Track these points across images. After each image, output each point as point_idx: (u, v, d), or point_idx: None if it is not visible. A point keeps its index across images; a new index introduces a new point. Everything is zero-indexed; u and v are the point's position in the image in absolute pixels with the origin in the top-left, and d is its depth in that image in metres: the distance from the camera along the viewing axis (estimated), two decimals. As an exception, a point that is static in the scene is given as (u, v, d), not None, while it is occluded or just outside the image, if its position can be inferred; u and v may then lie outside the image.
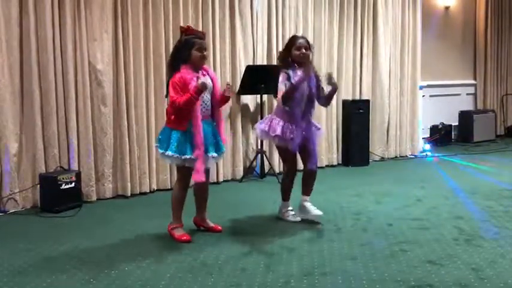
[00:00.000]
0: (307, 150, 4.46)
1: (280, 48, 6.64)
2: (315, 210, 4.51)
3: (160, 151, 4.02)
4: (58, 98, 5.19)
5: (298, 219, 4.58)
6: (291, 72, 4.31)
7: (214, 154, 4.09)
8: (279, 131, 4.34)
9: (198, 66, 4.03)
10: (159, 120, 5.73)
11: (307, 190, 4.59)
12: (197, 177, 3.95)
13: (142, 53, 5.62)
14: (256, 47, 6.50)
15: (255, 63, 6.47)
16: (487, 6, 9.58)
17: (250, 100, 6.59)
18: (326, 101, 4.58)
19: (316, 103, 4.54)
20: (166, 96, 4.08)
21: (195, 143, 3.92)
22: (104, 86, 5.39)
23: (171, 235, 4.13)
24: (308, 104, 4.42)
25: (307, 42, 4.43)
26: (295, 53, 4.34)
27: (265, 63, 6.57)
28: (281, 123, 4.36)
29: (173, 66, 4.00)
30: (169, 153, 3.95)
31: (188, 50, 3.96)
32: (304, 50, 4.34)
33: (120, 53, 5.49)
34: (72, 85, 5.25)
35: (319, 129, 4.63)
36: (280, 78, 4.33)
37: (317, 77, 4.46)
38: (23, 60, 5.05)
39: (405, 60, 7.96)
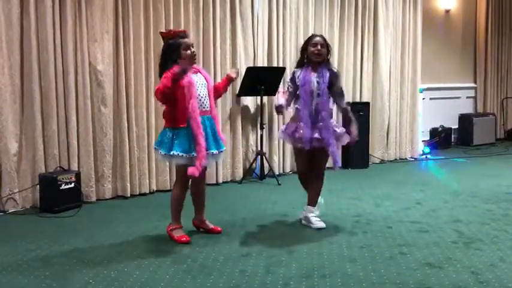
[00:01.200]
0: (317, 153, 4.37)
1: (281, 50, 6.72)
2: (317, 223, 4.46)
3: (164, 152, 3.98)
4: (58, 98, 5.20)
5: (323, 225, 4.44)
6: (298, 72, 4.38)
7: (215, 151, 4.07)
8: (290, 130, 4.41)
9: (190, 65, 4.02)
10: (159, 121, 5.71)
11: (310, 200, 4.52)
12: (192, 170, 3.86)
13: (142, 53, 5.63)
14: (256, 49, 6.51)
15: (256, 65, 6.48)
16: (487, 10, 9.58)
17: (250, 101, 6.59)
18: (342, 113, 4.66)
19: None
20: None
21: (195, 138, 3.89)
22: (104, 86, 5.39)
23: (170, 236, 4.12)
24: (318, 101, 4.31)
25: (324, 40, 4.41)
26: (310, 49, 4.34)
27: (265, 64, 6.58)
28: (295, 123, 4.40)
29: (164, 70, 3.95)
30: (174, 153, 3.91)
31: (176, 51, 3.95)
32: (319, 47, 4.32)
33: (121, 54, 5.49)
34: (73, 85, 5.25)
35: (339, 131, 4.45)
36: (288, 79, 4.47)
37: (332, 74, 4.37)
38: (24, 61, 5.05)
39: (405, 63, 7.97)
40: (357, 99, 7.50)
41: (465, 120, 9.33)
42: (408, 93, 8.04)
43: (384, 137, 7.82)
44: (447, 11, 9.22)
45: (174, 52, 3.95)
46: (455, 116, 9.37)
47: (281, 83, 6.57)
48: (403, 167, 7.52)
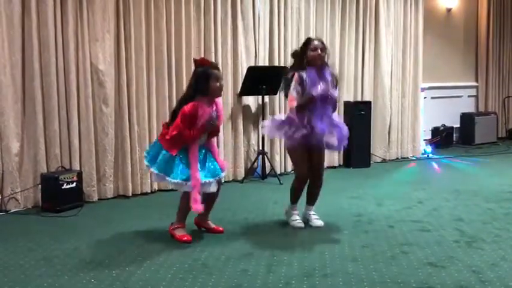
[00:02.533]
0: (316, 153, 4.38)
1: (282, 49, 6.71)
2: (316, 221, 4.49)
3: (146, 163, 4.10)
4: (60, 98, 5.20)
5: (302, 225, 4.49)
6: (304, 74, 4.26)
7: (211, 179, 4.07)
8: (290, 132, 4.28)
9: (215, 97, 4.07)
10: (160, 121, 5.73)
11: (311, 200, 4.57)
12: (196, 206, 3.98)
13: (144, 53, 5.63)
14: (258, 48, 6.51)
15: (257, 64, 6.48)
16: (489, 8, 9.57)
17: (251, 101, 6.59)
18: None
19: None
20: (170, 122, 4.06)
21: (191, 172, 3.95)
22: (106, 86, 5.40)
23: (172, 235, 4.13)
24: (325, 102, 4.30)
25: (323, 44, 4.41)
26: (310, 53, 4.29)
27: (267, 64, 6.58)
28: (294, 123, 4.27)
29: (191, 97, 3.98)
30: (152, 170, 4.03)
31: (206, 81, 3.97)
32: (319, 51, 4.30)
33: (122, 53, 5.49)
34: (74, 85, 5.26)
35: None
36: (293, 84, 4.26)
37: (333, 76, 4.40)
38: (25, 61, 5.05)
39: (407, 62, 7.96)
40: (358, 98, 7.50)
41: (467, 119, 9.31)
42: (410, 92, 8.04)
43: (386, 136, 7.81)
44: (449, 10, 9.21)
45: (204, 82, 3.97)
46: (457, 115, 9.35)
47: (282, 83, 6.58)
48: (404, 166, 7.51)
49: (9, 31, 4.93)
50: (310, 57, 4.30)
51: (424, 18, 8.20)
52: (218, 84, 4.03)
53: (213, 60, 6.05)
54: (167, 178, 4.00)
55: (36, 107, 5.08)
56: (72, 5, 5.17)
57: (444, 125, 9.06)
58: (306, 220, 4.54)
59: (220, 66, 6.11)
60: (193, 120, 3.92)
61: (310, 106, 4.23)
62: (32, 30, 5.00)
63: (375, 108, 7.60)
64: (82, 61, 5.28)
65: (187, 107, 3.92)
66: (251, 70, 6.24)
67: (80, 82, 5.30)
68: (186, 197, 4.07)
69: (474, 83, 9.77)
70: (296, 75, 4.28)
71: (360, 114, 7.22)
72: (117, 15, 5.46)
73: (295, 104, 4.25)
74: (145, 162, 4.12)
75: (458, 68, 9.50)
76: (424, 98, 8.44)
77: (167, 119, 5.49)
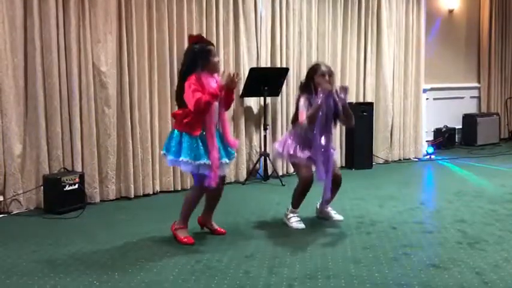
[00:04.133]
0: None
1: (284, 51, 6.71)
2: (335, 215, 4.66)
3: (171, 157, 3.95)
4: (62, 100, 5.21)
5: (302, 226, 4.50)
6: (312, 98, 4.35)
7: (227, 160, 4.09)
8: (291, 151, 4.43)
9: (214, 72, 4.06)
10: (162, 122, 5.75)
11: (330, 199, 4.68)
12: (211, 182, 3.92)
13: (146, 54, 5.63)
14: (260, 50, 6.50)
15: (259, 66, 6.47)
16: (491, 9, 9.56)
17: (253, 102, 6.59)
18: (345, 119, 4.51)
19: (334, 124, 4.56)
20: (179, 104, 4.01)
21: (210, 148, 3.91)
22: (108, 87, 5.40)
23: (175, 235, 4.13)
24: (327, 125, 4.40)
25: (330, 70, 4.47)
26: (319, 80, 4.35)
27: (268, 65, 6.58)
28: (294, 144, 4.43)
29: (188, 72, 3.93)
30: (183, 159, 3.90)
31: (206, 57, 3.97)
32: (327, 78, 4.36)
33: (124, 55, 5.50)
34: (76, 87, 5.26)
35: (334, 150, 4.62)
36: (301, 102, 4.36)
37: (335, 100, 4.41)
38: (27, 62, 5.06)
39: (409, 63, 7.96)
40: (361, 100, 7.50)
41: (469, 120, 9.31)
42: (412, 94, 8.03)
43: (388, 138, 7.81)
44: (450, 11, 9.20)
45: (205, 57, 3.96)
46: (459, 116, 9.35)
47: (284, 84, 6.58)
48: (407, 168, 7.50)
49: (12, 33, 4.94)
50: (318, 83, 4.35)
51: (426, 20, 8.19)
52: (217, 59, 4.06)
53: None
54: (196, 162, 3.90)
55: (39, 108, 5.08)
56: (74, 6, 5.18)
57: (446, 126, 9.06)
58: (324, 215, 4.71)
59: (222, 67, 6.14)
60: (202, 86, 3.85)
61: (317, 116, 4.27)
62: (34, 32, 5.00)
63: (377, 110, 7.60)
64: (84, 63, 5.28)
65: (190, 79, 3.86)
66: (253, 71, 6.24)
67: (82, 84, 5.30)
68: (192, 193, 4.13)
69: (476, 84, 9.76)
70: (304, 97, 4.37)
71: (362, 116, 7.22)
72: (119, 17, 5.46)
73: (305, 115, 4.30)
74: (170, 157, 3.97)
75: (460, 69, 9.49)
76: (426, 99, 8.43)
77: (169, 120, 5.51)
